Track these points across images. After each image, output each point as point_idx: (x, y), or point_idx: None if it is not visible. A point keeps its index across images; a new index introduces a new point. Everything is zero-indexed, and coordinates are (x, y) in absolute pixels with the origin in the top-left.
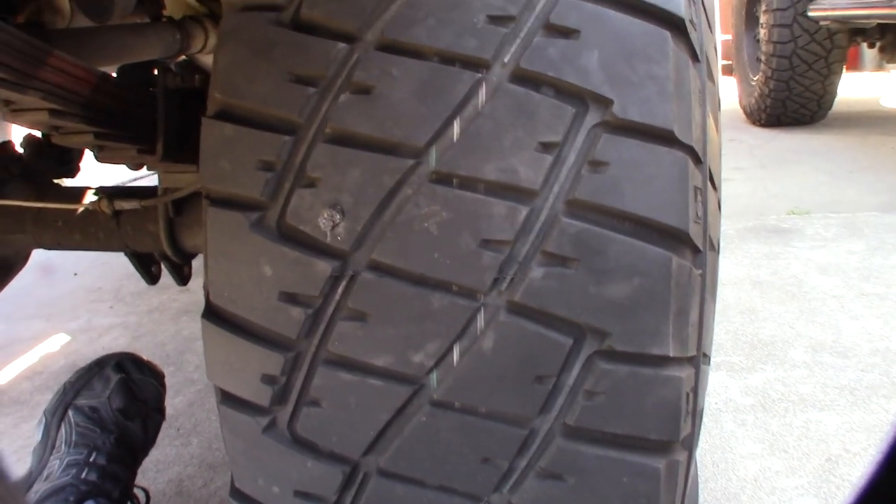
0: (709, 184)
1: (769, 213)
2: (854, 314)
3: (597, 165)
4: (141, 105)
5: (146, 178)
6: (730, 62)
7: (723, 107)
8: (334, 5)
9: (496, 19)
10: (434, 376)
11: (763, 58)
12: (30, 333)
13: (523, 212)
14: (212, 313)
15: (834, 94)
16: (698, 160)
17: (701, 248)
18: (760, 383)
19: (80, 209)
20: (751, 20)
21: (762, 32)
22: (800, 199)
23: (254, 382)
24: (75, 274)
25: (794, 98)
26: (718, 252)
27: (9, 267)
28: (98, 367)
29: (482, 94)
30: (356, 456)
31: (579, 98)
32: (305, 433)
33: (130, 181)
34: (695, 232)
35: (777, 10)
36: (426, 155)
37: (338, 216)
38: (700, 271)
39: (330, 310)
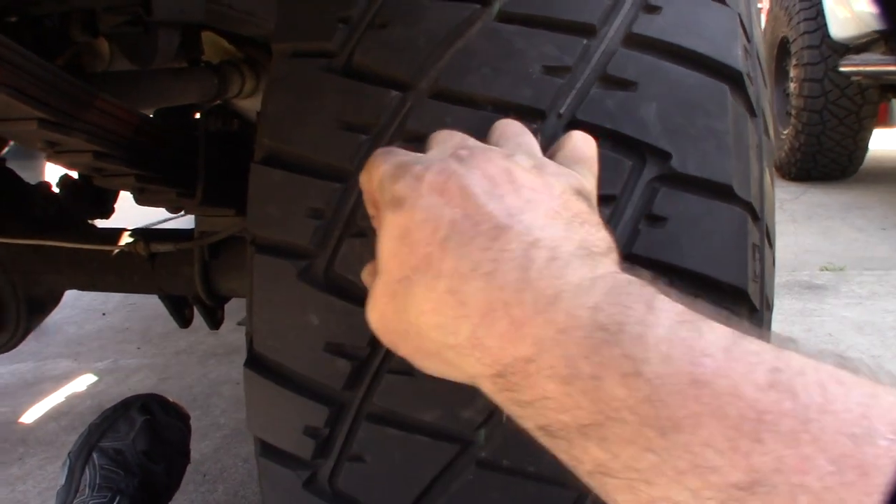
0: (766, 240)
1: (802, 269)
2: (893, 374)
3: (654, 220)
4: (182, 149)
5: (172, 220)
6: None
7: None
8: (387, 53)
9: (552, 70)
10: (482, 433)
11: (793, 112)
12: (57, 372)
13: None
14: (254, 362)
15: (865, 150)
16: (756, 216)
17: (758, 306)
18: None
19: (116, 251)
20: (780, 73)
21: (792, 86)
22: (832, 254)
23: (296, 434)
24: (104, 314)
25: (825, 153)
26: (772, 311)
27: (42, 306)
28: (123, 408)
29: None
30: None
31: (637, 151)
32: (347, 489)
33: (157, 223)
34: (753, 290)
35: (808, 64)
36: None
37: None
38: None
39: (377, 362)
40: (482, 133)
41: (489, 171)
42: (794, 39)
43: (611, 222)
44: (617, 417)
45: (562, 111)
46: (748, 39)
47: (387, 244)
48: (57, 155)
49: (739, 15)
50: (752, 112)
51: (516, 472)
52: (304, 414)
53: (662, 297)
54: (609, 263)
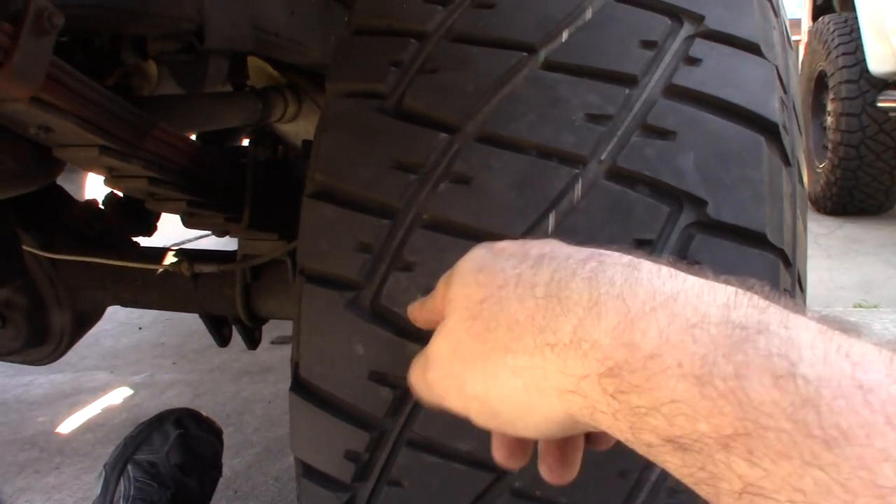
0: (797, 286)
1: (835, 305)
2: None
3: (689, 265)
4: (231, 175)
5: (201, 238)
6: None
7: None
8: (437, 96)
9: (594, 118)
10: None
11: (830, 146)
12: (94, 384)
13: None
14: (300, 387)
15: None
16: (788, 263)
17: None
18: None
19: (160, 269)
20: (817, 107)
21: (829, 120)
22: (867, 292)
23: (337, 458)
24: (140, 328)
25: (862, 188)
26: None
27: (86, 321)
28: (158, 422)
29: (578, 189)
30: None
31: (675, 198)
32: None
33: (188, 241)
34: None
35: (845, 98)
36: None
37: None
38: None
39: None
40: (527, 176)
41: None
42: (832, 73)
43: None
44: (769, 426)
45: (602, 157)
46: (785, 91)
47: (460, 280)
48: (114, 179)
49: (777, 67)
50: (786, 161)
51: (548, 502)
52: (346, 438)
53: (795, 307)
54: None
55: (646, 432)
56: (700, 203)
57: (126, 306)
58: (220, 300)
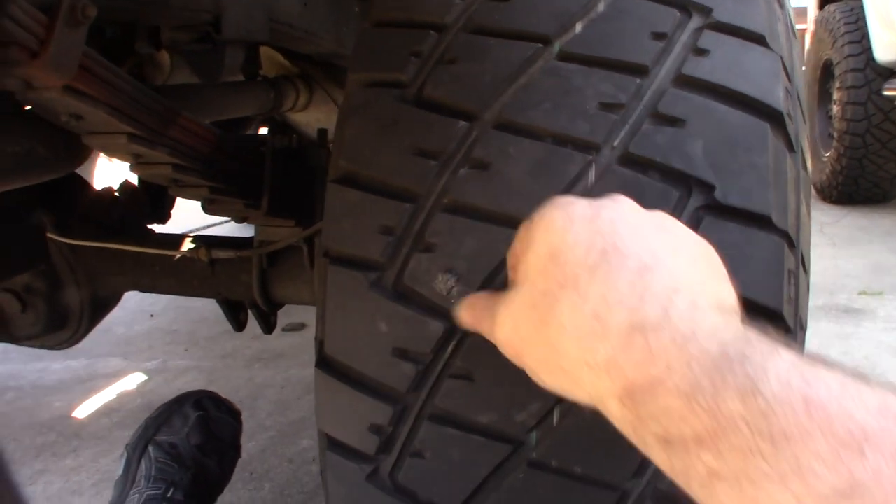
0: (801, 267)
1: (840, 293)
2: None
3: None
4: (250, 163)
5: (206, 228)
6: None
7: None
8: (456, 86)
9: (607, 106)
10: (534, 436)
11: (835, 134)
12: (108, 370)
13: None
14: (325, 363)
15: None
16: (793, 244)
17: (792, 327)
18: None
19: (178, 256)
20: (823, 96)
21: (835, 109)
22: (871, 279)
23: (362, 431)
24: (151, 315)
25: (867, 176)
26: (805, 331)
27: (104, 306)
28: (178, 404)
29: (592, 174)
30: None
31: (684, 183)
32: (407, 482)
33: (195, 230)
34: (787, 312)
35: (851, 87)
36: None
37: (452, 280)
38: None
39: (439, 367)
40: (543, 162)
41: (639, 212)
42: (838, 62)
43: None
44: (732, 428)
45: (615, 144)
46: (789, 80)
47: (534, 260)
48: (140, 166)
49: (782, 58)
50: (791, 148)
51: (564, 473)
52: (371, 413)
53: (785, 346)
54: (737, 319)
55: (644, 432)
56: (708, 187)
57: (144, 292)
58: (237, 286)
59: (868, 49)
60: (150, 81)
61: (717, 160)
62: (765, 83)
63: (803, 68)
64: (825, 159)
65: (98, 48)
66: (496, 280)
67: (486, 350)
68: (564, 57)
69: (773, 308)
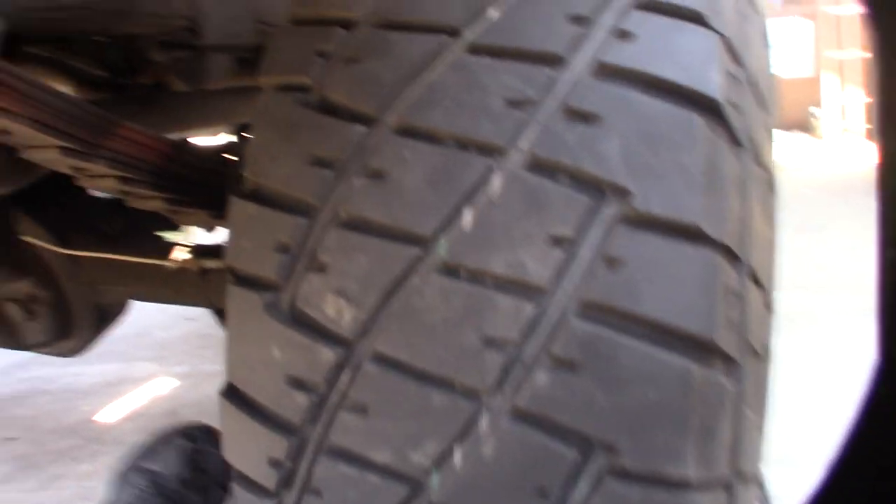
0: (751, 284)
1: None
2: None
3: (612, 263)
4: (214, 172)
5: None
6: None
7: (860, 171)
8: (356, 87)
9: (514, 103)
10: (434, 478)
11: None
12: (140, 374)
13: (530, 310)
14: (229, 392)
15: None
16: (735, 257)
17: (736, 356)
18: None
19: (170, 266)
20: None
21: None
22: None
23: (262, 465)
24: (189, 319)
25: None
26: (768, 359)
27: (108, 315)
28: (170, 434)
29: (495, 182)
30: None
31: (597, 188)
32: None
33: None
34: (725, 339)
35: None
36: (434, 244)
37: (343, 303)
38: (735, 383)
39: (334, 398)
40: (441, 168)
41: None
42: None
43: (565, 264)
44: None
45: (522, 146)
46: (737, 63)
47: None
48: (87, 179)
49: (725, 37)
50: (734, 143)
51: None
52: (269, 445)
53: None
54: None
55: None
56: (624, 193)
57: (143, 301)
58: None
59: None
60: (173, 88)
61: (636, 161)
62: (696, 68)
63: None
64: None
65: (117, 59)
66: (389, 303)
67: (380, 380)
68: (473, 49)
69: (702, 335)
